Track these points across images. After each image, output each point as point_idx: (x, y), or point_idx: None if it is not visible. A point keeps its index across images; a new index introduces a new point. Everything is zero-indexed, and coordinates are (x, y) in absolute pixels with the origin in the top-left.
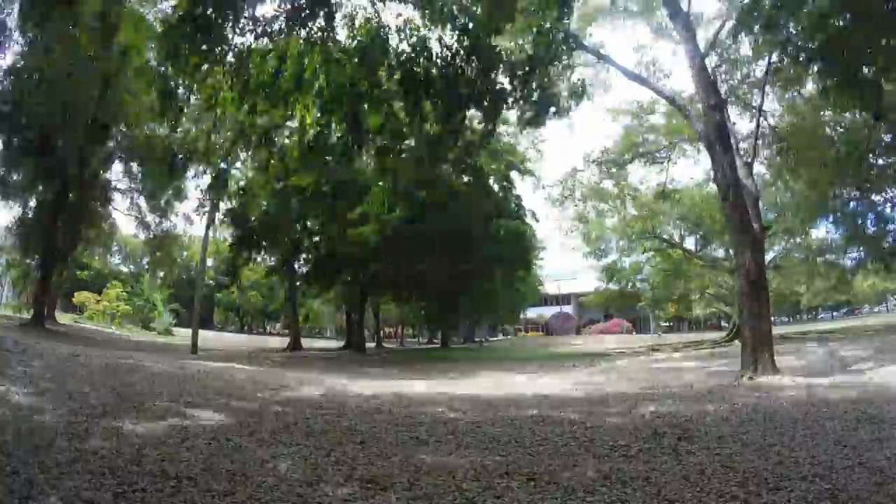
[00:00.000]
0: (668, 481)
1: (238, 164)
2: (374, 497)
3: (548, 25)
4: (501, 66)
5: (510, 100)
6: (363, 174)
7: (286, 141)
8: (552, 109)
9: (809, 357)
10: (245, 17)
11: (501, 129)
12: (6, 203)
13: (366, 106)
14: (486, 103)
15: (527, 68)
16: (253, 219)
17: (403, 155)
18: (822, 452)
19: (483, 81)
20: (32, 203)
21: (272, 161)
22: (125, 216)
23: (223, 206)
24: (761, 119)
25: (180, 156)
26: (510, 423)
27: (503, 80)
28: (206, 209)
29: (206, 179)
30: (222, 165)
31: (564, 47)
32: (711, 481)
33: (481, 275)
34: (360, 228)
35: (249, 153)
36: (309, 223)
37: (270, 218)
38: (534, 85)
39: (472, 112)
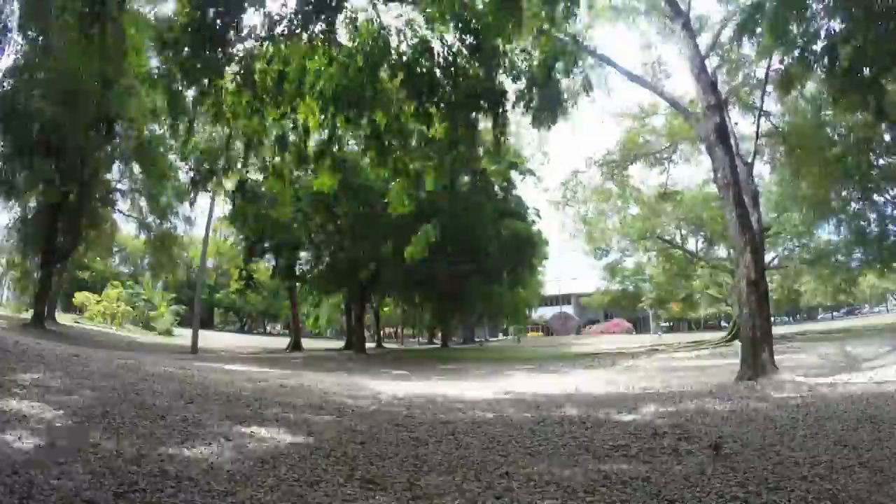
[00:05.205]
0: (668, 481)
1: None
2: (374, 497)
3: (549, 27)
4: (504, 66)
5: (515, 100)
6: (381, 177)
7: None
8: (557, 108)
9: (810, 357)
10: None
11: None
12: (6, 203)
13: (365, 111)
14: (492, 105)
15: (532, 67)
16: (261, 222)
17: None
18: (822, 452)
19: (488, 81)
20: (33, 203)
21: (286, 167)
22: (125, 217)
23: (227, 207)
24: (763, 119)
25: (199, 171)
26: (511, 424)
27: (505, 81)
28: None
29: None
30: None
31: (569, 49)
32: (711, 481)
33: (487, 276)
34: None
35: (266, 159)
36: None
37: (282, 224)
38: (537, 87)
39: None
